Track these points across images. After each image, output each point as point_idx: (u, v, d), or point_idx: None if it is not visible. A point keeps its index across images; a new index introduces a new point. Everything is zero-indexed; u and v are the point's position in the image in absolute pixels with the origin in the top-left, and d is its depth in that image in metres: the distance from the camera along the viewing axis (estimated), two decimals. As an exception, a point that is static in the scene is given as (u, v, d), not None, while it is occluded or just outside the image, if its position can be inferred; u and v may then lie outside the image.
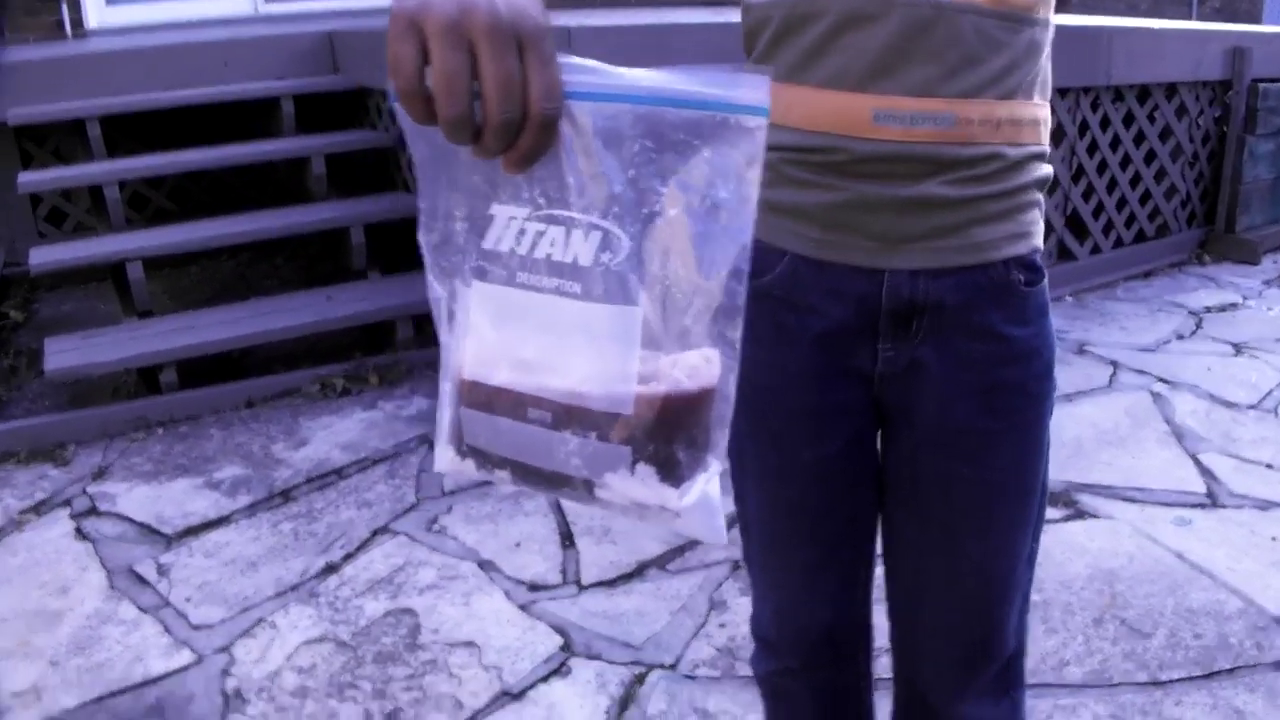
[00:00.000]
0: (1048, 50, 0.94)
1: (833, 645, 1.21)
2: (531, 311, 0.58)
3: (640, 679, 2.01)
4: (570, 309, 0.57)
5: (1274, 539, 2.56)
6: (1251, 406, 3.37)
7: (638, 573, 2.38)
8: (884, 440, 1.07)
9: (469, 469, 0.63)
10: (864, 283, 0.93)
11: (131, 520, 2.61)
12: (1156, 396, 3.39)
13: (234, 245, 3.66)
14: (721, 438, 0.57)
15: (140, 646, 2.11)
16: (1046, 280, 1.01)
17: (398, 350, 3.62)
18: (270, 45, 4.02)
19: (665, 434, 0.57)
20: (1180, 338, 3.97)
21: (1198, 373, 3.59)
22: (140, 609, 2.24)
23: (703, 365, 0.57)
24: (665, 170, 0.55)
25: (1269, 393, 3.48)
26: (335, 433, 3.12)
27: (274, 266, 4.40)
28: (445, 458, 0.64)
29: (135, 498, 2.72)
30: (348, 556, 2.44)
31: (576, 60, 0.55)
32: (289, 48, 4.05)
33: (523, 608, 2.24)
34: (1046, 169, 0.98)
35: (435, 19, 0.51)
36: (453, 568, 2.40)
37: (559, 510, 2.65)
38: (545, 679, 2.01)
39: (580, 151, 0.55)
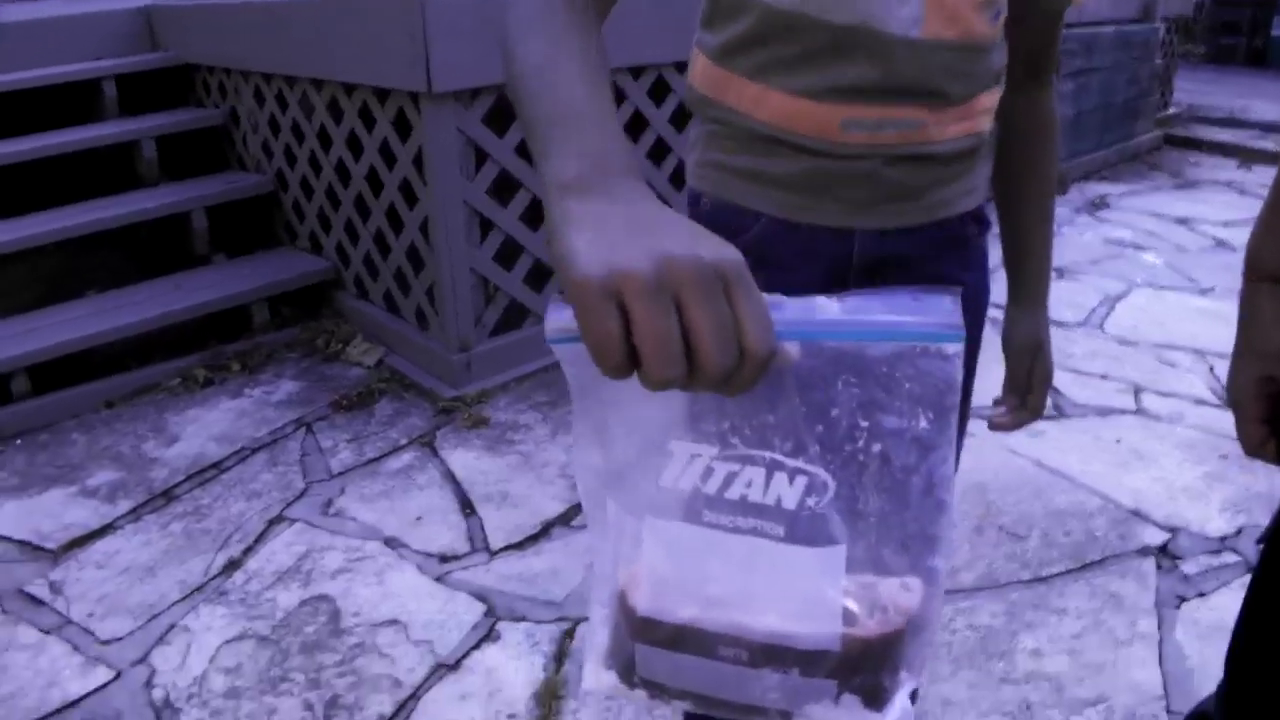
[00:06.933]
0: (1004, 59, 0.99)
1: None
2: (720, 550, 0.55)
3: (570, 634, 2.06)
4: (770, 550, 0.55)
5: (1117, 441, 2.82)
6: (1080, 324, 3.67)
7: (544, 532, 2.43)
8: None
9: (637, 697, 0.61)
10: (835, 242, 0.98)
11: (9, 539, 2.46)
12: (992, 321, 3.63)
13: (66, 240, 3.41)
14: (918, 656, 0.56)
15: (51, 670, 2.01)
16: (990, 228, 1.09)
17: (255, 334, 3.51)
18: (83, 24, 3.74)
19: (871, 666, 0.56)
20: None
21: (1027, 295, 3.86)
22: (41, 630, 2.12)
23: (901, 594, 0.55)
24: (867, 405, 0.52)
25: (1093, 310, 3.80)
26: (205, 425, 3.01)
27: (102, 259, 4.14)
28: (604, 681, 0.61)
29: (7, 514, 2.56)
30: (248, 550, 2.38)
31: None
32: (104, 26, 3.79)
33: (438, 580, 2.26)
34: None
35: (636, 282, 0.45)
36: (358, 549, 2.38)
37: (454, 480, 2.66)
38: (477, 646, 2.04)
39: (779, 389, 0.52)
